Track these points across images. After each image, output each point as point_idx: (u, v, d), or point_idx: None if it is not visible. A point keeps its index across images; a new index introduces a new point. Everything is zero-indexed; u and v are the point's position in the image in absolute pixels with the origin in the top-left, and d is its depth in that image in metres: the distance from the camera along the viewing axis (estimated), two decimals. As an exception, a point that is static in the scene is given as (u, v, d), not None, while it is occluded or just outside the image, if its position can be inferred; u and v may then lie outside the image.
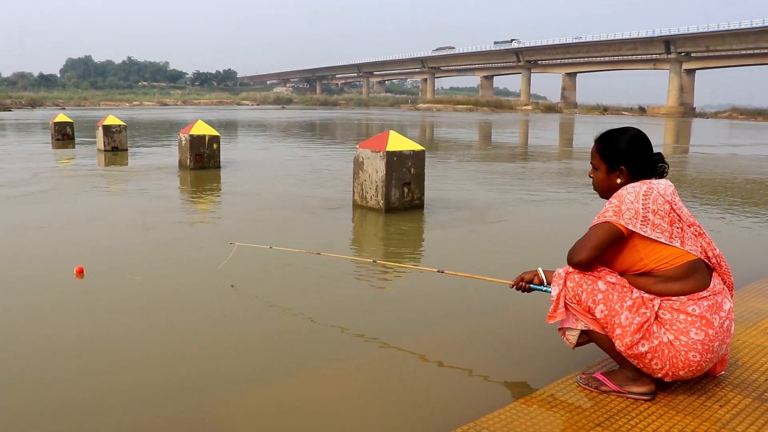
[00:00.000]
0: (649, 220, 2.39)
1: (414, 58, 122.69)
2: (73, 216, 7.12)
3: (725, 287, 2.53)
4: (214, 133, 11.48)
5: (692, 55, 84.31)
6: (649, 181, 2.49)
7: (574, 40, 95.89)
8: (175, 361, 3.19)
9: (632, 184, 2.48)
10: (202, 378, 2.99)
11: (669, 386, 2.58)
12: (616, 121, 51.31)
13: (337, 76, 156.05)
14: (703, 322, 2.37)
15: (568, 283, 2.49)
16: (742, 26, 75.04)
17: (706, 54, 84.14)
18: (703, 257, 2.48)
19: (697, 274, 2.42)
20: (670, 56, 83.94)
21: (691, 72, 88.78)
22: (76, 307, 3.99)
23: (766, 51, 78.84)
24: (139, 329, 3.63)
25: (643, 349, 2.39)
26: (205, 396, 2.81)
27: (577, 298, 2.47)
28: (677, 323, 2.37)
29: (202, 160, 11.32)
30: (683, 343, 2.36)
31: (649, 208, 2.40)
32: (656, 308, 2.39)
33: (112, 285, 4.45)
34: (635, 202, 2.41)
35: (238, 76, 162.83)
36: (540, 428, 2.30)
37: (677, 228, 2.43)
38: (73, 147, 17.25)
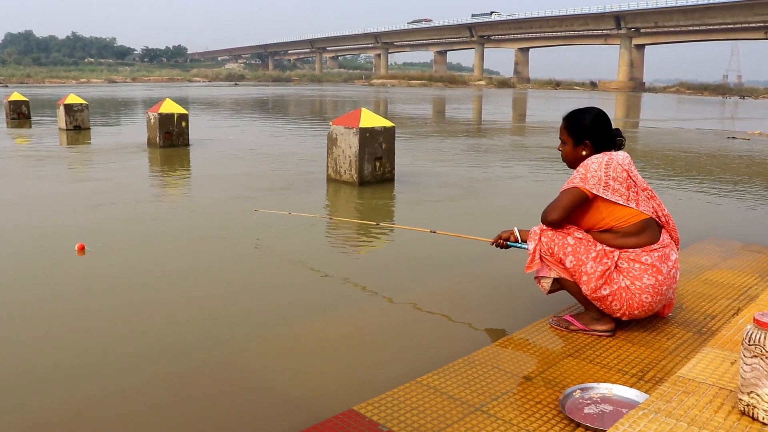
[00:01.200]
0: (609, 185, 2.86)
1: (367, 34, 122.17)
2: (64, 192, 7.34)
3: (672, 241, 3.02)
4: (183, 111, 11.68)
5: (641, 30, 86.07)
6: (609, 153, 2.95)
7: (524, 15, 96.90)
8: (211, 315, 3.58)
9: (595, 155, 2.94)
10: (230, 324, 3.39)
11: (626, 324, 3.08)
12: (568, 96, 52.40)
13: (289, 51, 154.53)
14: (654, 269, 2.86)
15: (542, 238, 2.95)
16: (689, 3, 76.84)
17: (654, 30, 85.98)
18: (654, 216, 2.96)
19: (649, 231, 2.90)
20: (620, 32, 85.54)
21: (640, 47, 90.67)
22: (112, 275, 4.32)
23: (711, 27, 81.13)
24: (174, 291, 4.00)
25: (605, 293, 2.87)
26: (235, 339, 3.22)
27: (550, 251, 2.94)
28: (633, 271, 2.85)
29: (171, 138, 11.52)
30: (638, 287, 2.85)
31: (609, 175, 2.86)
32: (616, 259, 2.86)
33: (129, 253, 4.79)
34: (598, 171, 2.87)
35: (189, 52, 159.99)
36: (521, 359, 2.77)
37: (633, 192, 2.90)
38: (30, 126, 17.06)
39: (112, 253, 4.82)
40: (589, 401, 2.38)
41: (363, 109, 7.78)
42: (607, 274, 2.85)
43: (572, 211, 2.91)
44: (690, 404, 1.94)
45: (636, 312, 2.90)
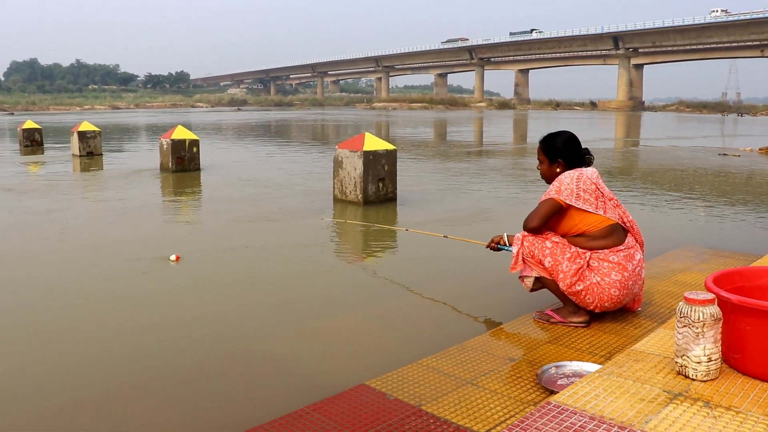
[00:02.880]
0: (580, 196, 3.35)
1: (368, 57, 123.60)
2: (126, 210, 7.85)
3: (637, 243, 3.50)
4: (194, 137, 12.21)
5: (640, 50, 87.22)
6: (580, 169, 3.45)
7: (526, 37, 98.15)
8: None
9: (568, 171, 3.44)
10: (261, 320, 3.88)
11: (600, 317, 3.55)
12: (568, 116, 53.05)
13: (291, 76, 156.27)
14: (620, 267, 3.34)
15: (524, 243, 3.45)
16: (686, 23, 78.12)
17: (652, 49, 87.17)
18: (620, 222, 3.45)
19: (615, 234, 3.39)
20: (618, 52, 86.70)
21: (639, 67, 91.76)
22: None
23: (707, 46, 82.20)
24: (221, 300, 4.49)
25: (579, 288, 3.35)
26: (269, 330, 3.70)
27: (531, 253, 3.43)
28: (602, 268, 3.34)
29: (183, 162, 12.04)
30: (607, 282, 3.33)
31: (580, 188, 3.36)
32: (587, 258, 3.35)
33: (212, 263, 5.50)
34: (570, 184, 3.36)
35: (191, 77, 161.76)
36: (508, 346, 3.24)
37: (601, 201, 3.39)
38: (42, 153, 17.54)
39: (201, 260, 5.52)
40: (562, 375, 2.85)
41: (366, 133, 8.31)
42: (580, 272, 3.33)
43: (549, 219, 3.40)
44: (637, 368, 2.41)
45: (606, 304, 3.38)
